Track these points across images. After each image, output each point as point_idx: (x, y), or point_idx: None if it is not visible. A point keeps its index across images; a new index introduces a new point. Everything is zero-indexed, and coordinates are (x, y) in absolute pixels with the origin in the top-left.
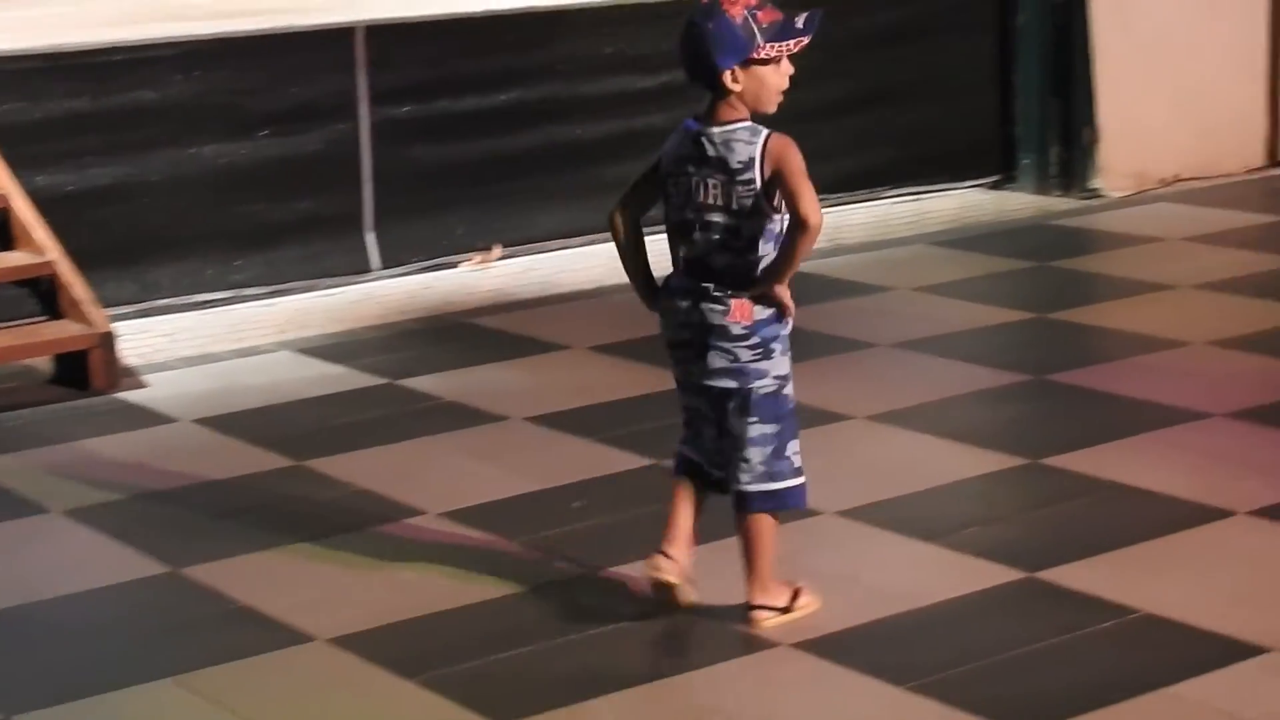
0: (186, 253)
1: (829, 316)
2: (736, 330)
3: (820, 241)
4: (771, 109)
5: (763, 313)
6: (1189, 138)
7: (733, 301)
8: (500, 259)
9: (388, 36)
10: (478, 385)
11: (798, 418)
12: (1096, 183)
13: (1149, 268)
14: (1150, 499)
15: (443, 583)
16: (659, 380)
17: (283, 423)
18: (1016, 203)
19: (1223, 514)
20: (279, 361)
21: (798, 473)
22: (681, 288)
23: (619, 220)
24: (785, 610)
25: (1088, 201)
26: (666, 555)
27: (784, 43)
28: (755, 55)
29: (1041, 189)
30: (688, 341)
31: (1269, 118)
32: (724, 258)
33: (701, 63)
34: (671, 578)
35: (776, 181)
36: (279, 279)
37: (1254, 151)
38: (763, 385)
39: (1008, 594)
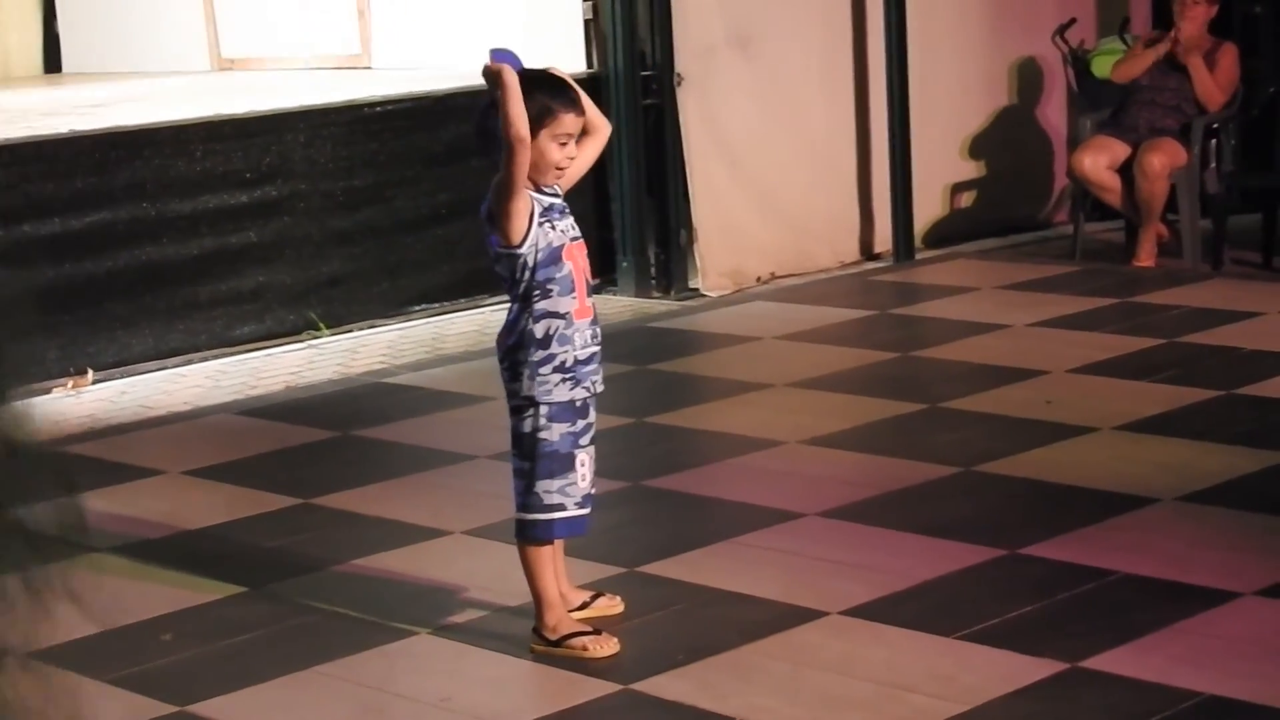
0: None
1: (428, 429)
2: (499, 354)
3: (420, 353)
4: (548, 180)
5: (508, 337)
6: (783, 235)
7: None
8: (92, 383)
9: None
10: None
11: (565, 463)
12: (695, 283)
13: (745, 368)
14: (743, 602)
15: None
16: (254, 503)
17: None
18: (617, 305)
19: (815, 614)
20: None
21: (548, 509)
22: None
23: None
24: (554, 644)
25: (687, 302)
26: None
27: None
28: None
29: (642, 291)
30: None
31: (860, 213)
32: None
33: (481, 140)
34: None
35: (494, 205)
36: None
37: (848, 247)
38: (520, 421)
39: (603, 708)
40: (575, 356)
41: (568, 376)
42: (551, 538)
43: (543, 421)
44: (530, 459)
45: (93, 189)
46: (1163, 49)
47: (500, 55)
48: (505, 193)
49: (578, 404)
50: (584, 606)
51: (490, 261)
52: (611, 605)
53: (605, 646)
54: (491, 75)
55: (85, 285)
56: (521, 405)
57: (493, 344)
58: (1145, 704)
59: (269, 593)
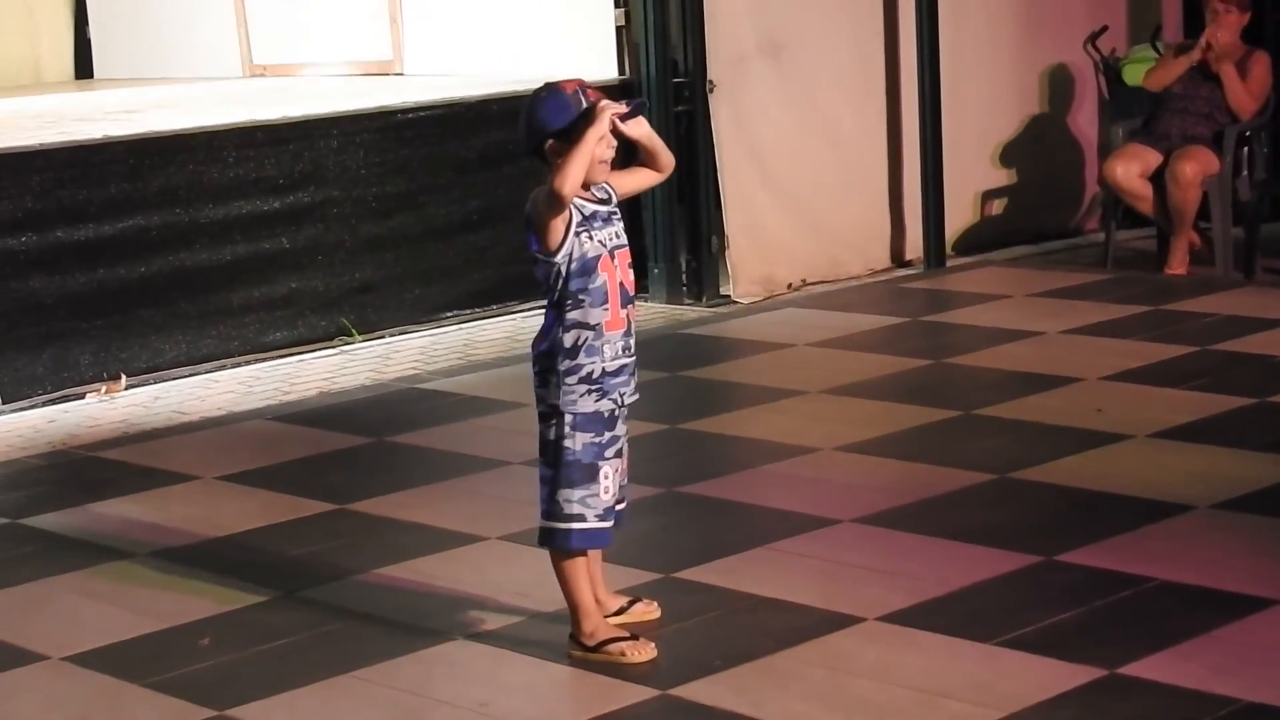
0: None
1: (461, 434)
2: (532, 358)
3: (452, 358)
4: (598, 178)
5: (541, 343)
6: (814, 242)
7: None
8: (126, 389)
9: None
10: (101, 521)
11: (588, 473)
12: (727, 290)
13: (778, 374)
14: (779, 609)
15: None
16: (288, 509)
17: None
18: (649, 312)
19: (852, 621)
20: None
21: (568, 519)
22: None
23: None
24: (591, 650)
25: (718, 309)
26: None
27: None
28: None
29: (673, 298)
30: None
31: (891, 220)
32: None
33: (529, 134)
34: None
35: (532, 214)
36: None
37: (878, 254)
38: (547, 428)
39: (640, 713)
40: (604, 368)
41: (594, 388)
42: (569, 547)
43: (567, 430)
44: (554, 466)
45: (126, 195)
46: (1196, 55)
47: (637, 103)
48: (542, 213)
49: (605, 415)
50: (620, 612)
51: (530, 264)
52: (648, 611)
53: (642, 652)
54: (588, 116)
55: (118, 291)
56: (548, 412)
57: (524, 350)
58: (1182, 711)
59: (304, 598)
